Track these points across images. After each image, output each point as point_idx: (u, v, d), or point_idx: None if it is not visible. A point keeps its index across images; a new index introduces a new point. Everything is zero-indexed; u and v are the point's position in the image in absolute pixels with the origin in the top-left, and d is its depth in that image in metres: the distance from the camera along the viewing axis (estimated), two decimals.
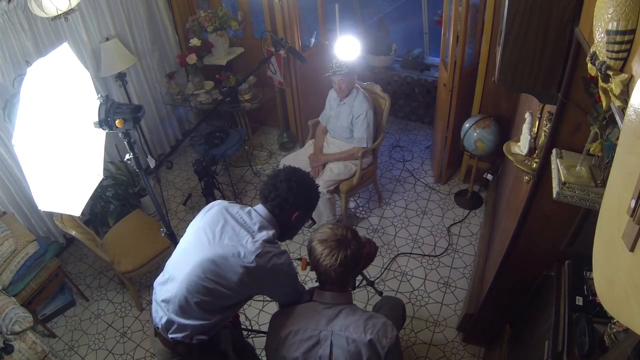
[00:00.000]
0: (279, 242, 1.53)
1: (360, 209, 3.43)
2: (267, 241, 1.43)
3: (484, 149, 2.90)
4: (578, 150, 1.34)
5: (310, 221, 1.74)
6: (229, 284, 1.40)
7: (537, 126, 1.75)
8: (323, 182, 2.90)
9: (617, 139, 1.06)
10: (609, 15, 0.74)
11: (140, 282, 3.02)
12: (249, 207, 1.55)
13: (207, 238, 1.45)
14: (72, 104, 1.37)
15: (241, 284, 1.41)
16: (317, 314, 1.42)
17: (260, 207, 1.53)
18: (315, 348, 1.39)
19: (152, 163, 1.69)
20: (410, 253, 3.02)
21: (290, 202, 1.49)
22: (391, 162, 3.84)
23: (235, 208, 1.53)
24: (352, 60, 2.84)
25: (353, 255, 1.39)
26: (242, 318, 2.73)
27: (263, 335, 2.60)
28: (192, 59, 3.61)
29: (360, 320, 1.38)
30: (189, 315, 1.45)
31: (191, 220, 1.60)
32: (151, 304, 2.51)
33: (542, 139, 1.63)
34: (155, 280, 1.58)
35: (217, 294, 1.42)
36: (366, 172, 3.05)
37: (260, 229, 1.46)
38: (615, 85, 0.75)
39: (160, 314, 1.51)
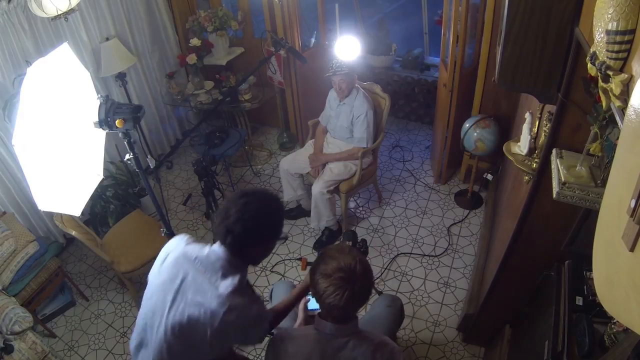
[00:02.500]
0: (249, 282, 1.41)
1: (360, 209, 3.43)
2: (234, 292, 1.30)
3: (484, 149, 2.90)
4: (578, 150, 1.34)
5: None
6: (202, 345, 1.33)
7: (537, 126, 1.75)
8: (323, 182, 2.90)
9: (617, 139, 1.06)
10: (609, 15, 0.74)
11: (140, 282, 3.02)
12: (207, 248, 1.39)
13: (172, 297, 1.34)
14: (72, 104, 1.37)
15: (214, 343, 1.32)
16: (322, 345, 1.34)
17: (219, 248, 1.36)
18: None
19: (152, 163, 1.70)
20: (410, 253, 3.02)
21: (250, 242, 1.33)
22: (391, 162, 3.84)
23: (194, 252, 1.39)
24: (352, 60, 2.84)
25: (361, 291, 1.27)
26: None
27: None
28: (192, 59, 3.61)
29: (368, 352, 1.33)
30: None
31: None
32: None
33: (542, 139, 1.63)
34: (130, 342, 1.48)
35: (191, 354, 1.36)
36: (366, 172, 3.05)
37: (224, 275, 1.33)
38: (615, 85, 0.75)
39: None
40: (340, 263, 1.26)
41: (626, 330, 1.22)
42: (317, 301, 1.32)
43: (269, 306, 2.67)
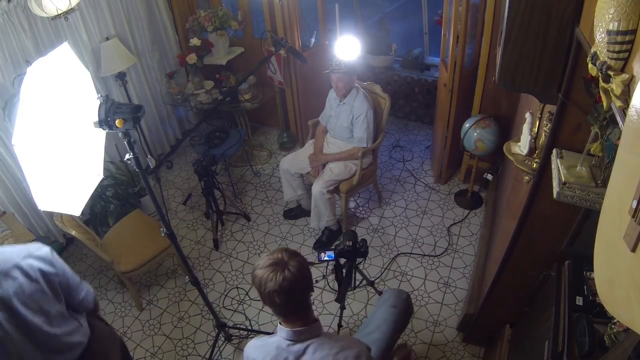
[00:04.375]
0: None
1: (360, 209, 3.43)
2: None
3: (484, 149, 2.90)
4: (578, 150, 1.34)
5: None
6: None
7: (537, 126, 1.75)
8: (323, 182, 2.90)
9: (618, 139, 1.06)
10: (610, 15, 0.74)
11: (140, 282, 3.02)
12: None
13: None
14: (72, 104, 1.36)
15: None
16: (284, 351, 1.35)
17: None
18: None
19: (152, 163, 1.69)
20: (410, 253, 3.02)
21: None
22: (391, 162, 3.84)
23: None
24: (352, 60, 2.84)
25: (293, 275, 1.28)
26: (241, 318, 2.73)
27: (263, 335, 2.60)
28: (192, 58, 3.61)
29: (329, 356, 1.31)
30: None
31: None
32: (151, 304, 2.53)
33: (542, 139, 1.63)
34: None
35: None
36: (366, 172, 3.05)
37: None
38: (616, 86, 0.75)
39: None
40: (269, 257, 1.33)
41: (626, 330, 1.22)
42: (262, 298, 1.33)
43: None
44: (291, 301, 1.30)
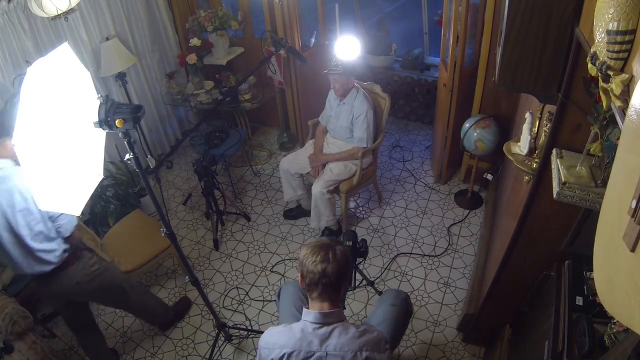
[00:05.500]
0: None
1: (360, 209, 3.43)
2: None
3: (484, 149, 2.90)
4: (578, 150, 1.34)
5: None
6: None
7: (537, 126, 1.75)
8: (323, 182, 2.90)
9: (618, 139, 1.06)
10: (610, 15, 0.74)
11: (140, 282, 3.02)
12: None
13: None
14: (72, 104, 1.36)
15: None
16: (309, 335, 1.39)
17: None
18: None
19: (152, 163, 1.69)
20: (410, 253, 3.02)
21: None
22: (391, 162, 3.84)
23: None
24: (351, 60, 2.84)
25: (336, 257, 1.39)
26: (241, 318, 2.73)
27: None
28: (192, 58, 3.61)
29: (354, 338, 1.38)
30: None
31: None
32: None
33: (542, 139, 1.63)
34: None
35: None
36: (366, 172, 3.05)
37: None
38: (615, 85, 0.75)
39: None
40: (319, 240, 1.48)
41: (626, 330, 1.22)
42: (301, 274, 1.42)
43: (275, 305, 2.64)
44: (330, 273, 1.38)
